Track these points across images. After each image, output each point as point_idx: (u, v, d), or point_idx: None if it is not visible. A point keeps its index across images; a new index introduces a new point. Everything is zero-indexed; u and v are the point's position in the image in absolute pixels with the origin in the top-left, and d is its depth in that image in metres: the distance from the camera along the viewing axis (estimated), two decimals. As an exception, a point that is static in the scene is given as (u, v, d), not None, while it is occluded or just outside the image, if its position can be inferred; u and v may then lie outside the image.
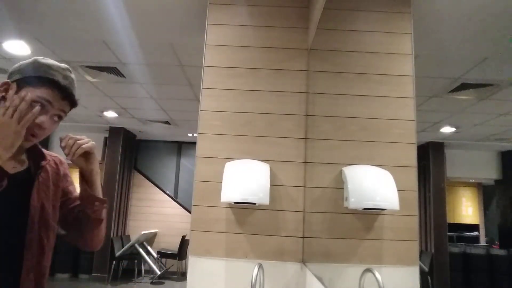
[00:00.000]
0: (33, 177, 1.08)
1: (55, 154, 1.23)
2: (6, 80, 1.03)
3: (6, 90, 1.01)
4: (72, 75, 1.12)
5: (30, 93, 0.98)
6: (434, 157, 5.64)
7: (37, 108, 0.97)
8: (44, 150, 1.17)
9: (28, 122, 0.95)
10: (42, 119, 1.00)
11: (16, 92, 0.99)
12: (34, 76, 1.03)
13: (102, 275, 6.75)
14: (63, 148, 1.07)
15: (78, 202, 1.17)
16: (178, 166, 8.15)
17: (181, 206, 7.86)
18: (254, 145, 2.13)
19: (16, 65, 1.07)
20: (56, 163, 1.19)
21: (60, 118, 1.07)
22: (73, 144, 1.06)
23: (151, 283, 6.82)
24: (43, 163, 1.12)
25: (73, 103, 1.09)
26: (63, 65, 1.12)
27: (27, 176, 1.07)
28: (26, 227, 1.02)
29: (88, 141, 1.09)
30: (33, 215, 1.04)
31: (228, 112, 2.17)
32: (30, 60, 1.07)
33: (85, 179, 1.13)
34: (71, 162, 1.14)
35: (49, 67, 1.06)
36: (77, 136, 1.09)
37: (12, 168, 1.03)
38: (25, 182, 1.06)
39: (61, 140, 1.08)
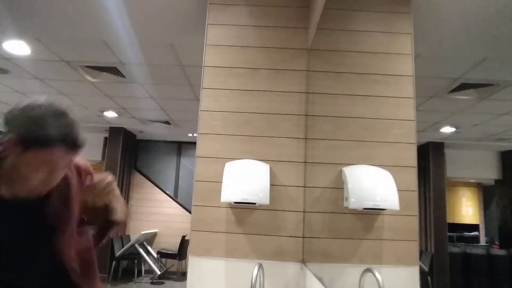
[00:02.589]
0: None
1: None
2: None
3: (10, 150, 0.91)
4: None
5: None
6: (434, 157, 5.64)
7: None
8: None
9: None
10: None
11: None
12: None
13: (102, 275, 6.75)
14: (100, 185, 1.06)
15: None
16: (178, 166, 8.15)
17: (181, 206, 7.86)
18: (254, 145, 2.13)
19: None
20: (77, 168, 1.10)
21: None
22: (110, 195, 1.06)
23: (151, 283, 6.81)
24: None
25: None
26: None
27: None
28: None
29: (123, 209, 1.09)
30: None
31: (228, 112, 2.17)
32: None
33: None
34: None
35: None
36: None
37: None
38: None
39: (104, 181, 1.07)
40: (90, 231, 1.11)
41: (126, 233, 7.66)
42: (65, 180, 0.99)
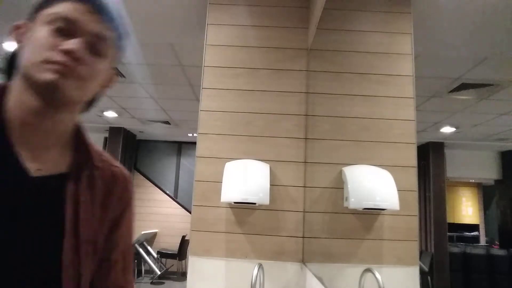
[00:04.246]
0: (71, 188, 0.67)
1: (113, 160, 0.79)
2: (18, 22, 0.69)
3: (21, 35, 0.67)
4: None
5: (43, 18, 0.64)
6: (434, 157, 5.64)
7: (51, 28, 0.63)
8: (94, 147, 0.76)
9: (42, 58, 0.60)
10: (71, 43, 0.62)
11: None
12: None
13: (102, 275, 6.75)
14: None
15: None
16: (178, 166, 8.15)
17: (181, 206, 7.86)
18: (254, 145, 2.13)
19: None
20: (113, 176, 0.76)
21: (98, 53, 0.66)
22: None
23: (151, 283, 6.81)
24: (91, 167, 0.72)
25: (116, 22, 0.69)
26: None
27: (60, 185, 0.67)
28: (57, 263, 0.63)
29: None
30: (68, 249, 0.64)
31: (228, 112, 2.17)
32: None
33: None
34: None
35: None
36: None
37: (37, 170, 0.64)
38: (56, 194, 0.66)
39: None
40: None
41: (126, 233, 7.66)
42: (92, 177, 0.71)
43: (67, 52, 0.61)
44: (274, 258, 2.03)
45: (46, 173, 0.65)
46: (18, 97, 0.64)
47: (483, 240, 8.03)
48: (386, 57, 1.95)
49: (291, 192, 2.09)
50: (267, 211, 2.07)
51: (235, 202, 1.94)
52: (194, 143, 2.24)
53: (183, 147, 8.20)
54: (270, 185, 1.97)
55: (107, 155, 0.79)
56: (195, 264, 2.03)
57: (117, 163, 0.79)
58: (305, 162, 2.12)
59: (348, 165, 1.85)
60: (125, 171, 0.79)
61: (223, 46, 2.25)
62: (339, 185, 1.84)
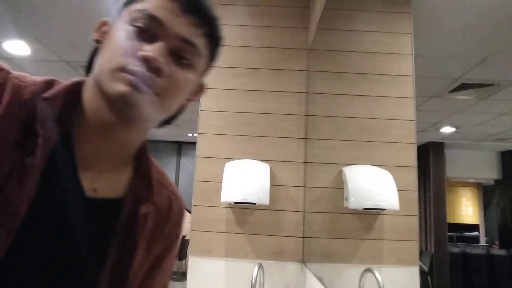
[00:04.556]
0: (123, 217, 0.59)
1: (173, 186, 0.71)
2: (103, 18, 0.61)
3: (102, 34, 0.59)
4: None
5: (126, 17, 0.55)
6: (434, 157, 5.64)
7: (131, 29, 0.53)
8: (156, 169, 0.67)
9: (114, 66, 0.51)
10: (151, 49, 0.52)
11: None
12: None
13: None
14: None
15: None
16: (178, 166, 8.15)
17: (181, 206, 7.86)
18: (254, 145, 2.13)
19: None
20: (169, 208, 0.67)
21: (185, 62, 0.55)
22: None
23: (151, 283, 6.81)
24: (149, 196, 0.62)
25: (210, 26, 0.59)
26: None
27: (113, 212, 0.58)
28: None
29: None
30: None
31: (228, 112, 2.17)
32: None
33: None
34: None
35: None
36: None
37: (92, 189, 0.57)
38: (107, 221, 0.58)
39: None
40: None
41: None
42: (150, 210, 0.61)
43: (145, 60, 0.50)
44: (274, 258, 2.03)
45: (100, 196, 0.57)
46: (89, 103, 0.55)
47: (483, 240, 8.02)
48: (386, 57, 1.95)
49: (291, 192, 2.09)
50: (267, 211, 2.07)
51: (235, 202, 1.94)
52: (194, 143, 2.24)
53: (183, 147, 8.20)
54: (270, 185, 1.97)
55: (168, 180, 0.70)
56: (195, 264, 2.03)
57: (176, 191, 0.71)
58: (305, 162, 2.12)
59: (348, 165, 1.85)
60: (182, 202, 0.71)
61: (223, 46, 2.25)
62: (339, 185, 1.84)
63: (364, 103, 1.93)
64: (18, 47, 3.32)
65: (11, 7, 2.62)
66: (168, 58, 0.53)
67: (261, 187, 1.93)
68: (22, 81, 0.53)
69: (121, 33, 0.54)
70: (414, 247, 1.77)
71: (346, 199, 1.75)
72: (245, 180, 1.95)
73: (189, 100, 0.63)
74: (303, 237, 2.06)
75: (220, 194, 1.94)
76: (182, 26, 0.54)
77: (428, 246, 5.75)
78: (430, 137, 5.33)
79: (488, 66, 2.68)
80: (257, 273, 1.71)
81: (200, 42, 0.57)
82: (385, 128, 1.87)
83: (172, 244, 0.69)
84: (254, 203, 1.93)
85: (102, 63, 0.54)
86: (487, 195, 8.21)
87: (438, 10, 2.15)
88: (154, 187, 0.64)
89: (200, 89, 0.66)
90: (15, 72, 0.54)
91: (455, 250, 5.74)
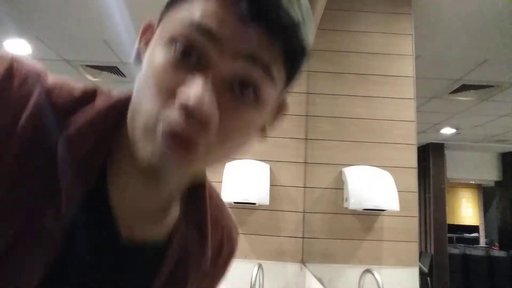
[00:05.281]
0: (165, 269, 0.48)
1: (231, 225, 0.60)
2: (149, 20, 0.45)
3: (146, 43, 0.43)
4: None
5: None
6: (434, 158, 5.65)
7: (169, 53, 0.37)
8: (216, 205, 0.57)
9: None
10: (192, 92, 0.34)
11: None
12: None
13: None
14: None
15: None
16: (178, 166, 8.15)
17: (181, 206, 7.86)
18: (254, 145, 2.13)
19: None
20: (221, 245, 0.56)
21: (255, 97, 0.38)
22: None
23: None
24: (201, 245, 0.51)
25: (293, 34, 0.38)
26: None
27: (153, 259, 0.48)
28: None
29: None
30: None
31: (228, 112, 2.17)
32: None
33: None
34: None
35: None
36: None
37: (129, 234, 0.45)
38: (144, 270, 0.47)
39: None
40: None
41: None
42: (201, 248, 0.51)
43: (185, 109, 0.34)
44: (274, 258, 2.03)
45: (139, 240, 0.46)
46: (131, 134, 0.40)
47: (483, 242, 8.03)
48: (386, 57, 1.95)
49: (291, 192, 2.09)
50: (267, 211, 2.07)
51: (235, 202, 1.94)
52: (194, 143, 2.24)
53: (183, 147, 8.21)
54: (270, 185, 1.97)
55: (226, 216, 0.58)
56: (194, 264, 2.03)
57: (235, 229, 0.59)
58: (305, 162, 2.12)
59: (348, 165, 1.85)
60: (236, 244, 0.60)
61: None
62: (339, 185, 1.84)
63: (365, 103, 1.93)
64: (19, 46, 3.32)
65: (12, 5, 2.63)
66: (225, 95, 0.36)
67: (261, 187, 1.93)
68: (53, 97, 0.40)
69: (156, 59, 0.37)
70: (414, 248, 1.77)
71: (346, 200, 1.75)
72: (245, 180, 1.95)
73: (262, 131, 0.48)
74: (303, 237, 2.06)
75: (220, 194, 1.94)
76: (247, 41, 0.36)
77: (428, 247, 5.75)
78: (430, 138, 5.34)
79: (488, 67, 2.69)
80: (257, 273, 1.71)
81: (275, 61, 0.38)
82: (386, 129, 1.87)
83: (215, 285, 0.59)
84: (254, 203, 1.93)
85: (134, 100, 0.40)
86: (487, 196, 8.21)
87: (439, 11, 2.15)
88: (209, 236, 0.51)
89: (278, 111, 0.49)
90: (50, 79, 0.42)
91: (455, 251, 5.74)
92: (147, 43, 0.42)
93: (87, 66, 3.82)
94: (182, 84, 0.35)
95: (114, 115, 0.42)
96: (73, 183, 0.39)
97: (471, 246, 6.70)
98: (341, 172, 1.86)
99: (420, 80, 2.12)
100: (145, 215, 0.46)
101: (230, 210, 0.60)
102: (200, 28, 0.36)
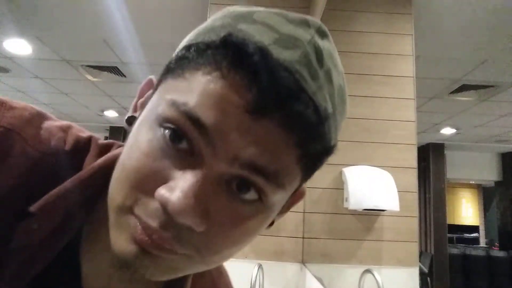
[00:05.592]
0: None
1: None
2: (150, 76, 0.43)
3: (142, 106, 0.41)
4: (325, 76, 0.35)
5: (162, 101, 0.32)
6: (434, 158, 5.64)
7: (158, 134, 0.31)
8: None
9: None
10: (178, 191, 0.28)
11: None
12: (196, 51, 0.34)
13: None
14: None
15: None
16: (178, 166, 8.15)
17: (181, 206, 7.85)
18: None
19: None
20: None
21: (258, 197, 0.31)
22: None
23: (151, 282, 6.81)
24: None
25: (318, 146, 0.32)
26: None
27: None
28: None
29: None
30: None
31: (228, 112, 2.17)
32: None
33: None
34: None
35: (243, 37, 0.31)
36: None
37: None
38: None
39: None
40: None
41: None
42: None
43: (166, 215, 0.29)
44: (274, 259, 2.03)
45: None
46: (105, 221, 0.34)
47: (483, 242, 8.03)
48: (387, 58, 1.95)
49: (291, 192, 2.09)
50: (267, 212, 2.06)
51: (235, 202, 1.94)
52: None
53: (183, 147, 8.21)
54: (270, 185, 1.97)
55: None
56: (194, 264, 2.03)
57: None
58: (305, 162, 2.12)
59: (348, 165, 1.85)
60: None
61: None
62: (339, 185, 1.84)
63: (365, 104, 1.93)
64: (19, 46, 3.32)
65: (12, 5, 2.63)
66: (220, 192, 0.30)
67: (261, 188, 1.93)
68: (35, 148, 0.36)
69: (143, 137, 0.32)
70: (414, 248, 1.77)
71: (346, 200, 1.75)
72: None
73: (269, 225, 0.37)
74: (303, 237, 2.06)
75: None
76: (249, 145, 0.28)
77: (428, 247, 5.75)
78: (430, 138, 5.33)
79: (488, 67, 2.69)
80: (257, 274, 1.71)
81: (287, 167, 0.31)
82: (386, 129, 1.87)
83: None
84: (254, 203, 1.93)
85: (114, 176, 0.33)
86: (487, 196, 8.21)
87: (439, 11, 2.15)
88: None
89: (292, 203, 0.39)
90: (28, 129, 0.37)
91: (455, 251, 5.74)
92: (142, 106, 0.38)
93: (87, 66, 3.83)
94: (167, 175, 0.30)
95: (95, 182, 0.37)
96: (20, 270, 0.33)
97: (471, 246, 6.70)
98: (341, 172, 1.86)
99: (420, 80, 2.12)
100: None
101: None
102: (193, 119, 0.29)
